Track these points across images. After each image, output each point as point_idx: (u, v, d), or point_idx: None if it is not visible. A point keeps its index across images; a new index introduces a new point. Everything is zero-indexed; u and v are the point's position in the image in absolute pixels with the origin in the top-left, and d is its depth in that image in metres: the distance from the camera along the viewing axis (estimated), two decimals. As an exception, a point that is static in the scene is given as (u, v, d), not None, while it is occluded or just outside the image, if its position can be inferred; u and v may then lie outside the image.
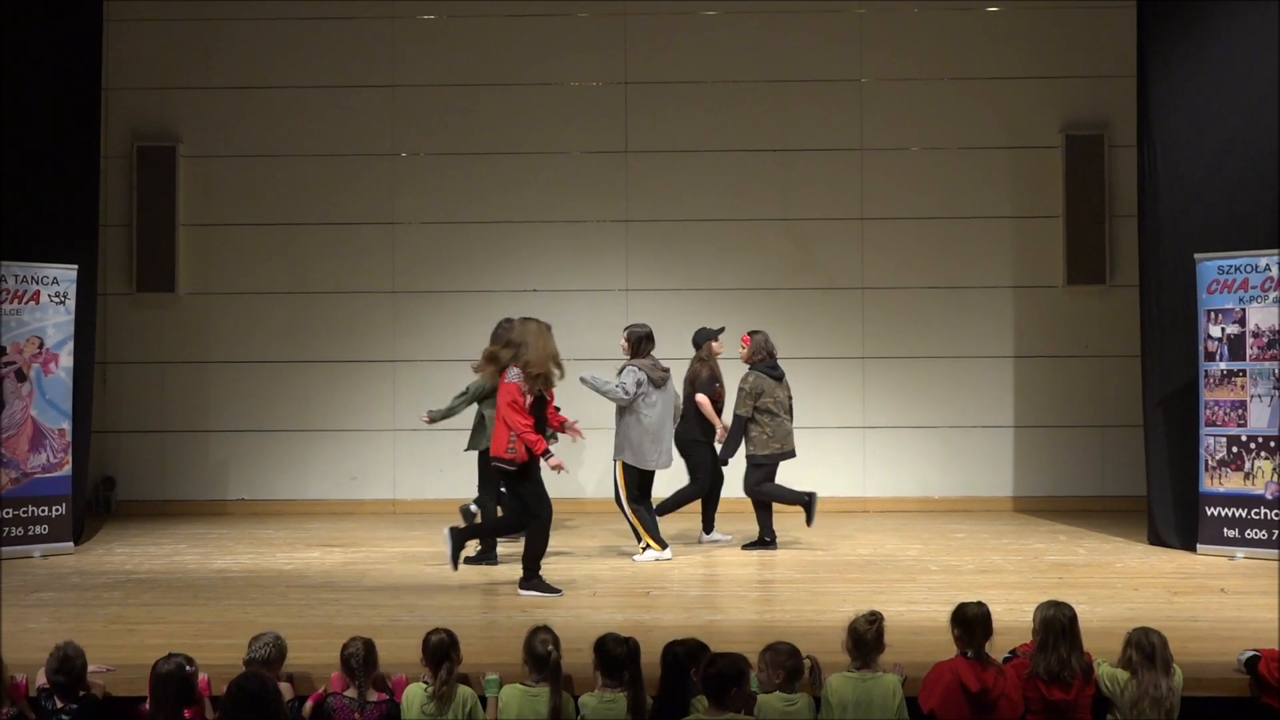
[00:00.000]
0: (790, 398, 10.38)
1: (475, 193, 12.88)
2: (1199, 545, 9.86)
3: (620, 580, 8.95)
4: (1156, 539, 10.30)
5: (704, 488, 10.48)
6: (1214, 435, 9.88)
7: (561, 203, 12.85)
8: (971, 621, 5.81)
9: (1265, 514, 9.61)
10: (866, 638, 5.81)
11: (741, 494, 10.35)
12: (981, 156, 12.78)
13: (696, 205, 12.82)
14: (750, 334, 10.42)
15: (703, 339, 10.66)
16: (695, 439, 10.41)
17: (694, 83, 12.84)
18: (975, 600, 5.93)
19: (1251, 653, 6.19)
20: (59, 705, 5.73)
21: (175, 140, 12.83)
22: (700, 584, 8.82)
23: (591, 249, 12.87)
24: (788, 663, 5.69)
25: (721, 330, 10.73)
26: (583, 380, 9.56)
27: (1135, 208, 10.85)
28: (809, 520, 10.18)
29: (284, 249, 12.91)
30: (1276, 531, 9.56)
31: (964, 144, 12.78)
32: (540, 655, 5.76)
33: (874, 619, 5.84)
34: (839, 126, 12.80)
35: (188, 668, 5.63)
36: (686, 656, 5.75)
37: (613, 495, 9.90)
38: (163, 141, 12.81)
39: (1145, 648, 5.75)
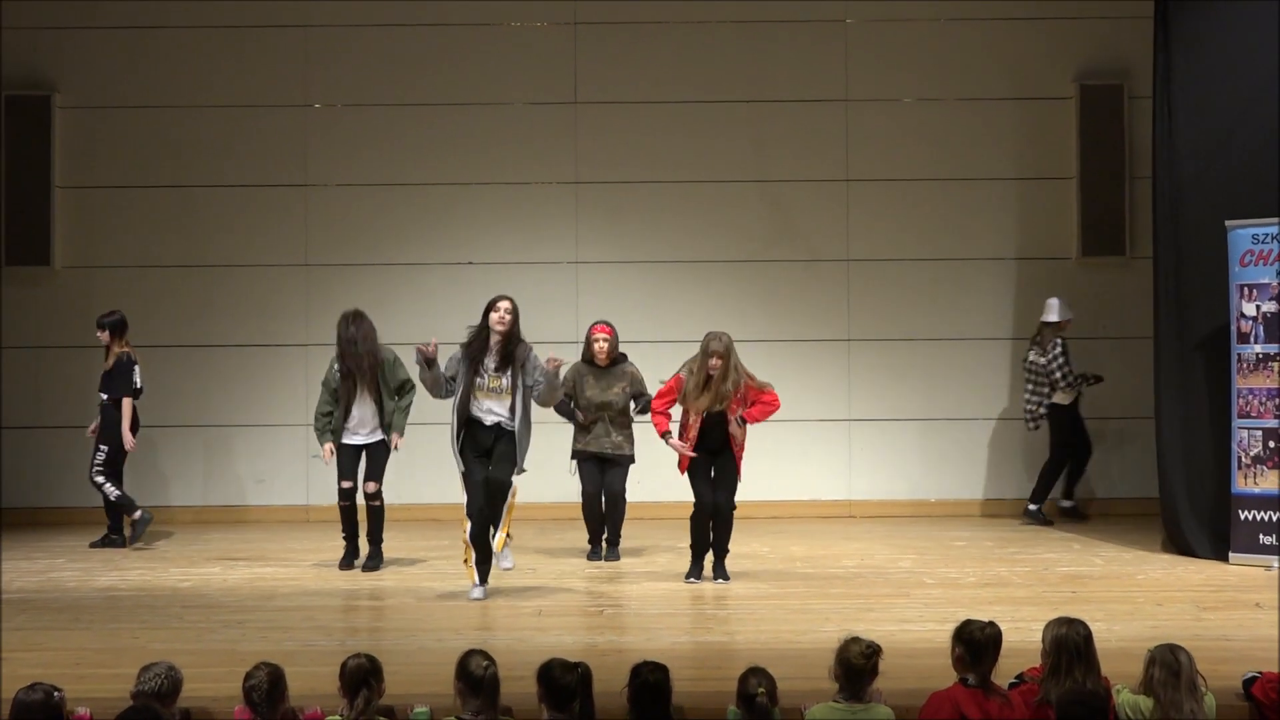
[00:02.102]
0: None
1: (401, 150, 12.81)
2: (1231, 554, 9.91)
3: (570, 598, 8.94)
4: (1184, 547, 10.35)
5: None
6: (1248, 428, 9.91)
7: (501, 162, 12.80)
8: (980, 645, 5.77)
9: (1306, 517, 9.68)
10: (862, 670, 5.73)
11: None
12: (984, 109, 12.80)
13: (657, 165, 12.79)
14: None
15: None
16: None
17: (653, 23, 12.81)
18: (985, 620, 5.90)
19: (1252, 674, 6.20)
20: None
21: (50, 89, 12.70)
22: (661, 600, 8.80)
23: (536, 215, 12.83)
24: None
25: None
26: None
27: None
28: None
29: (179, 216, 12.80)
30: (1319, 537, 9.63)
31: (964, 95, 12.81)
32: (477, 678, 5.71)
33: (871, 652, 5.75)
34: (821, 74, 12.79)
35: (55, 695, 5.56)
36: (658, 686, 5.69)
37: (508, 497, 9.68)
38: (35, 90, 12.68)
39: (1171, 665, 5.73)
